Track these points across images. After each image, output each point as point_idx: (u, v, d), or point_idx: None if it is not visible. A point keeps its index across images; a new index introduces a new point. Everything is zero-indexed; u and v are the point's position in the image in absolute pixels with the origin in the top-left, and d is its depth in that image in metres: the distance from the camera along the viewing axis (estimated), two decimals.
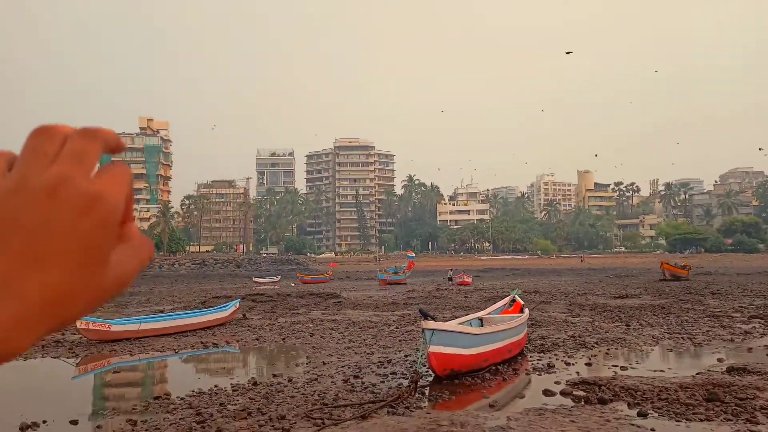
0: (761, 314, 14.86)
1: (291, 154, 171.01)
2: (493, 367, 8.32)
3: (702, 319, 14.26)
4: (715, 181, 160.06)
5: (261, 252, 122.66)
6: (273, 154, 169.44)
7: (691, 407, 6.01)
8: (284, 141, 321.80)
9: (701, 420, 5.60)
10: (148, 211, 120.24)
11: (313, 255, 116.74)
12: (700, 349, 10.09)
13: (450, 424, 5.39)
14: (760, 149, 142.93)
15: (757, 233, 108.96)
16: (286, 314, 17.44)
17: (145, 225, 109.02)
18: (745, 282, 31.25)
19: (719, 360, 8.92)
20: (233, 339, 12.40)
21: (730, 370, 7.92)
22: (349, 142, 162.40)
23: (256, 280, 45.52)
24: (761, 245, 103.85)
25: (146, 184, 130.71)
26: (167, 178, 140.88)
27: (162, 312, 17.59)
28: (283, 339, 12.16)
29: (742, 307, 17.20)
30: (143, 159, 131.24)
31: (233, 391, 7.21)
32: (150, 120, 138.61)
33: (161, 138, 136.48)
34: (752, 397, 6.24)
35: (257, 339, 12.27)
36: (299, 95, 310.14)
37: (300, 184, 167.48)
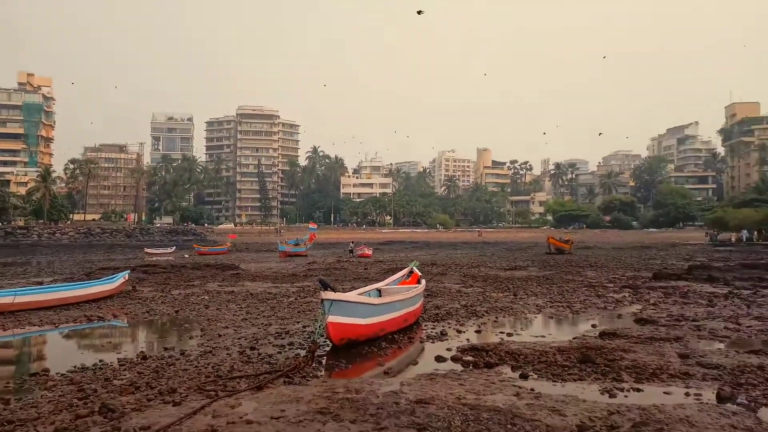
0: (631, 284, 16.37)
1: (190, 119, 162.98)
2: (390, 336, 8.55)
3: (580, 289, 15.46)
4: (599, 163, 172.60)
5: (154, 222, 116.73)
6: (170, 118, 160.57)
7: (566, 368, 6.53)
8: (183, 105, 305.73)
9: (575, 380, 6.09)
10: (26, 174, 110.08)
11: (211, 226, 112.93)
12: (577, 317, 10.96)
13: (345, 391, 5.50)
14: (600, 134, 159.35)
15: (632, 211, 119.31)
16: (180, 286, 16.82)
17: (23, 190, 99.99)
18: (619, 256, 34.19)
19: (593, 326, 9.74)
20: (121, 312, 11.79)
21: (602, 334, 8.69)
22: (253, 110, 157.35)
23: (148, 250, 43.34)
24: (635, 223, 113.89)
25: (24, 146, 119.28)
26: (49, 140, 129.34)
27: (41, 284, 16.33)
28: (176, 311, 11.74)
29: (615, 278, 18.84)
30: (21, 118, 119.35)
31: (120, 365, 6.87)
32: (30, 75, 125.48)
33: (43, 95, 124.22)
34: (619, 358, 6.89)
35: (148, 312, 11.76)
36: (202, 56, 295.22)
37: (199, 151, 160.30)
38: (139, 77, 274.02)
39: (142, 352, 7.72)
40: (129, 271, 16.62)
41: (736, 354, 7.16)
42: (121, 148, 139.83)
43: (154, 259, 33.48)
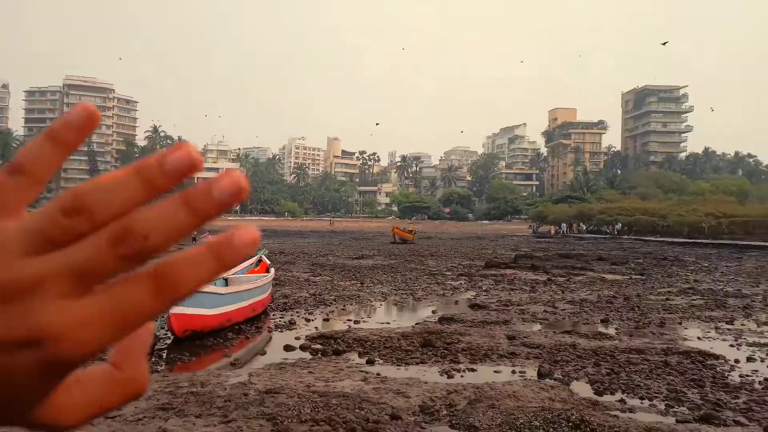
0: (467, 273, 17.67)
1: (5, 86, 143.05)
2: (237, 327, 8.35)
3: (422, 277, 16.34)
4: (441, 157, 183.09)
5: None
6: None
7: (410, 353, 6.90)
8: None
9: (417, 363, 6.47)
10: None
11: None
12: (419, 303, 11.59)
13: (190, 385, 5.28)
14: (461, 131, 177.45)
15: (468, 204, 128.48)
16: None
17: None
18: (457, 246, 36.64)
19: (433, 312, 10.38)
20: None
21: (441, 320, 9.30)
22: (83, 81, 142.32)
23: None
24: (470, 215, 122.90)
25: None
26: None
27: None
28: None
29: (452, 266, 20.18)
30: None
31: None
32: None
33: None
34: (456, 341, 7.43)
35: None
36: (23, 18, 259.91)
37: (16, 123, 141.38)
38: None
39: None
40: None
41: (553, 334, 8.10)
42: None
43: None
